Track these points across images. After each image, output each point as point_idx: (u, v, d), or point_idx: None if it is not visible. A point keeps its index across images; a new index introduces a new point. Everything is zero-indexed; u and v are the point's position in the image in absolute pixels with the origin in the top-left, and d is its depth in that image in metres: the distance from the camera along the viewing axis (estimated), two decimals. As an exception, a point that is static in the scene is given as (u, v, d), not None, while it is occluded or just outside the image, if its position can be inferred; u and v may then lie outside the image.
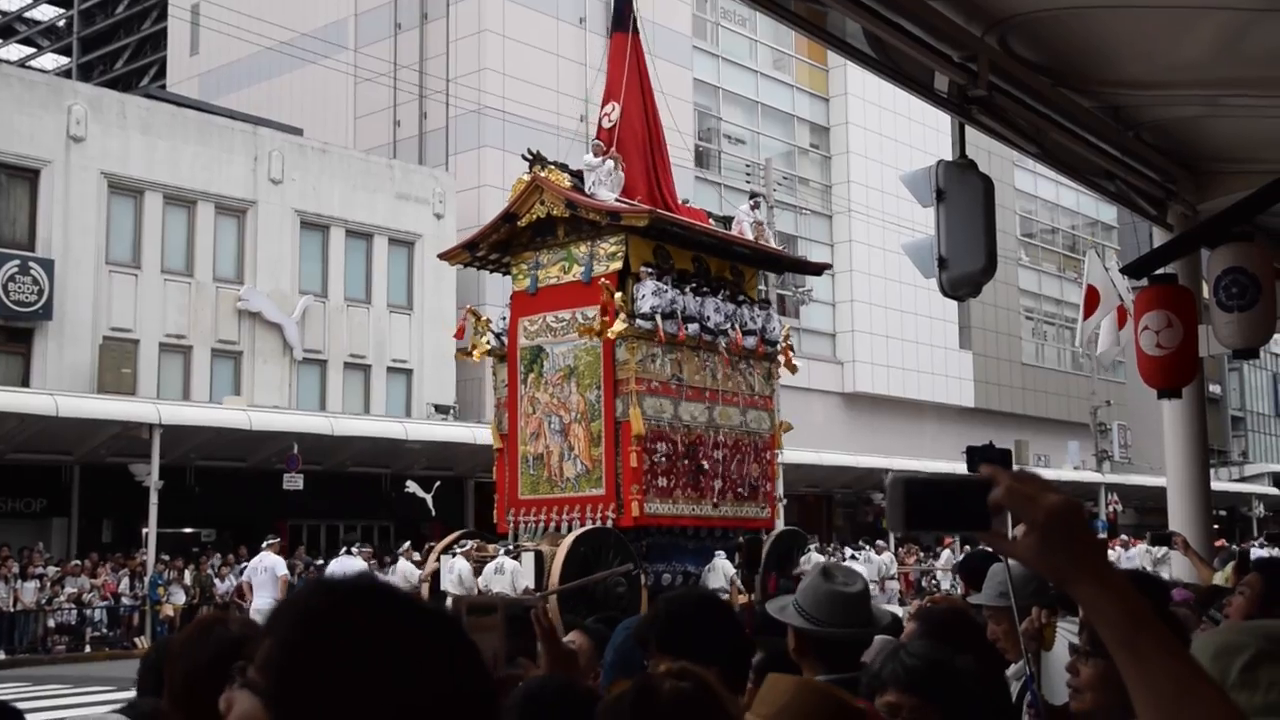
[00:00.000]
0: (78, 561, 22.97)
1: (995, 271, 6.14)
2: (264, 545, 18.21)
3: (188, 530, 26.23)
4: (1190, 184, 7.77)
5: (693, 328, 16.84)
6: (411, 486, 26.57)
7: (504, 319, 17.59)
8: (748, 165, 39.75)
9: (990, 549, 2.57)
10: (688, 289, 17.02)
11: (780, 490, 20.00)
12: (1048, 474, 38.82)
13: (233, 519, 26.40)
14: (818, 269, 20.70)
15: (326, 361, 30.56)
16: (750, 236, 18.70)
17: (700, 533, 17.22)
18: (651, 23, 37.51)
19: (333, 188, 30.71)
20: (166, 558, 22.99)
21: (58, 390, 23.48)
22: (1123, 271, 8.63)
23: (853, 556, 21.58)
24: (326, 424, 25.71)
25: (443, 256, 18.52)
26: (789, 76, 43.40)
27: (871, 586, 19.88)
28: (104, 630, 22.29)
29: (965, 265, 5.98)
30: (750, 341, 17.92)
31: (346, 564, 18.63)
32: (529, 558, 15.59)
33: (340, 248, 31.06)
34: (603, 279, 16.27)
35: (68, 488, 25.42)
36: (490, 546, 16.71)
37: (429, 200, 32.31)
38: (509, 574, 15.38)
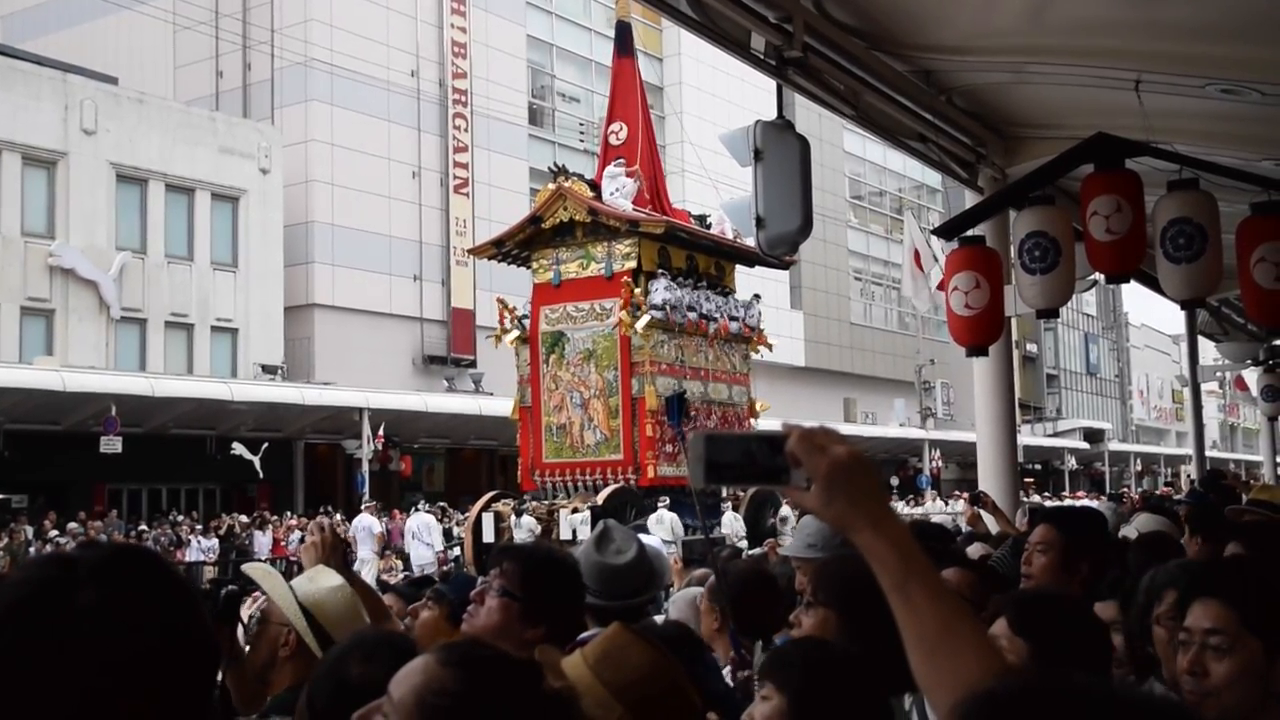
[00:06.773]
0: (-128, 532, 21.69)
1: (811, 231, 6.24)
2: (362, 507, 22.35)
3: (-5, 496, 25.05)
4: (999, 148, 8.04)
5: (692, 316, 19.67)
6: (238, 448, 25.98)
7: (526, 305, 19.94)
8: (581, 123, 39.67)
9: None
10: (688, 283, 19.64)
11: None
12: (874, 431, 39.79)
13: (46, 484, 25.30)
14: (784, 264, 22.16)
15: (146, 320, 29.41)
16: (730, 236, 20.91)
17: None
18: (485, -23, 37.09)
19: (151, 140, 29.42)
20: (-28, 525, 21.93)
21: None
22: (934, 233, 8.91)
23: None
24: (147, 385, 24.79)
25: (472, 251, 20.10)
26: (624, 35, 43.31)
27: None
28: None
29: (782, 225, 6.07)
30: (735, 327, 20.86)
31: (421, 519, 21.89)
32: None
33: (160, 202, 29.82)
34: (624, 276, 18.83)
35: None
36: (532, 505, 19.04)
37: (254, 155, 31.25)
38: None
